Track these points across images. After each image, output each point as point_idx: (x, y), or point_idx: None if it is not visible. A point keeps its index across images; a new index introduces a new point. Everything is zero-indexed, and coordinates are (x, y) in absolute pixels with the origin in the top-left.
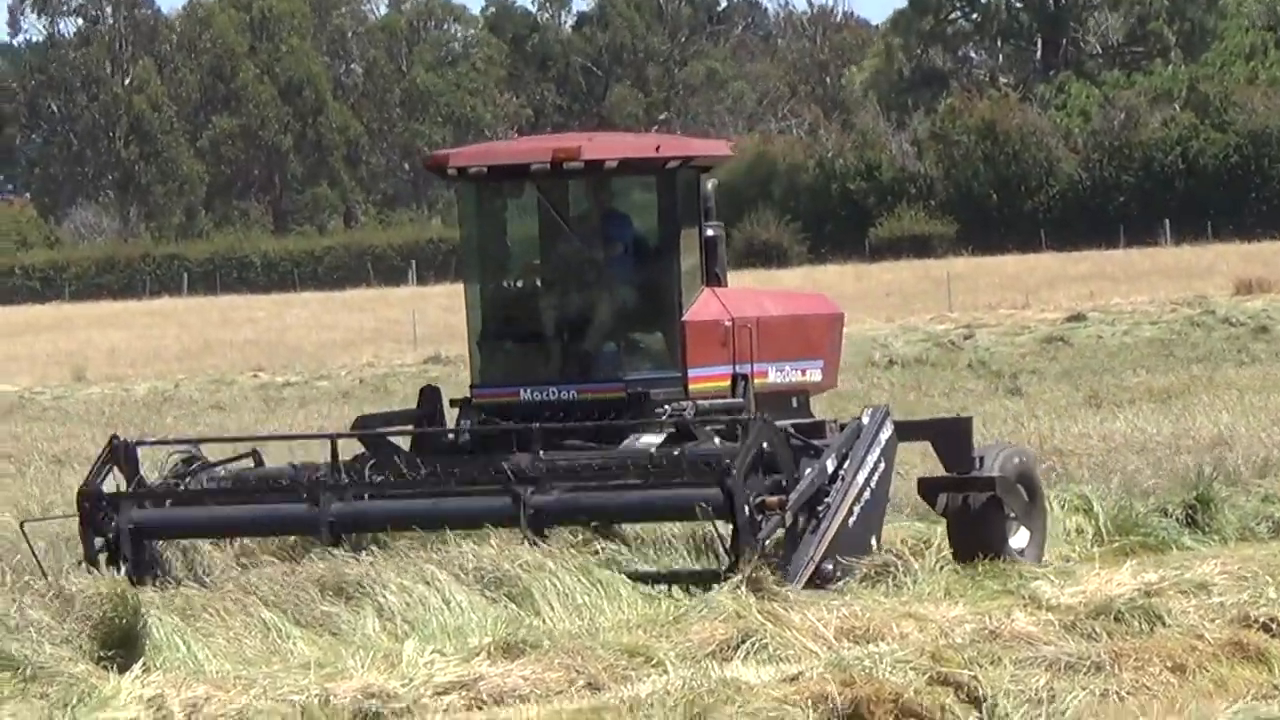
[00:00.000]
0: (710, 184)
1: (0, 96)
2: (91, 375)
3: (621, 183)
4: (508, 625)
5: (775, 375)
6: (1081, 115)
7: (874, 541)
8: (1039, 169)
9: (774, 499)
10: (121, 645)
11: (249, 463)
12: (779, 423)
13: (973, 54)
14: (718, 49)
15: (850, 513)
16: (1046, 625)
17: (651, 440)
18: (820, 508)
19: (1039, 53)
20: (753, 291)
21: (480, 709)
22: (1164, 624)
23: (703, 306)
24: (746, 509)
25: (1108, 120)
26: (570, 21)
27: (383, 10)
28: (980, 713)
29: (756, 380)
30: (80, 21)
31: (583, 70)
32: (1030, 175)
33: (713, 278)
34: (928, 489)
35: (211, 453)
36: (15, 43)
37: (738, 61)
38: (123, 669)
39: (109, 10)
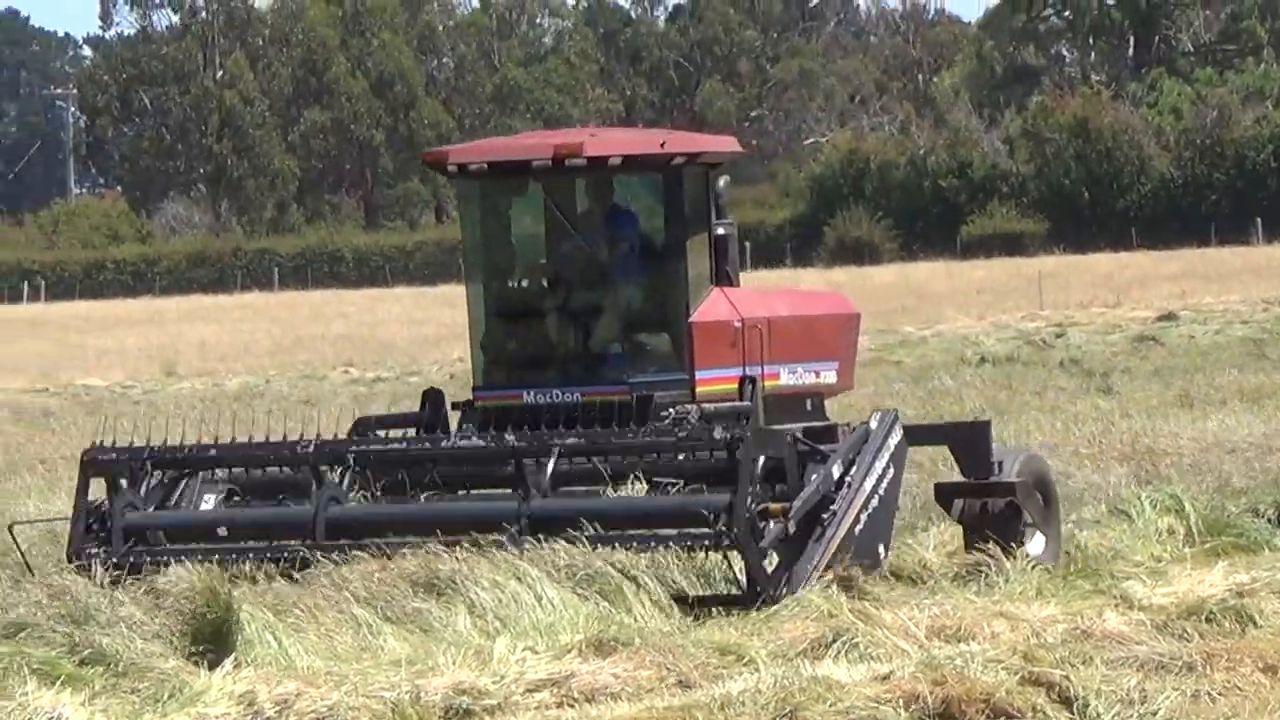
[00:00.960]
0: (723, 181)
1: (92, 90)
2: (182, 370)
3: (626, 180)
4: (599, 623)
5: (788, 377)
6: (1173, 113)
7: (882, 550)
8: (1130, 167)
9: (777, 506)
10: (212, 641)
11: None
12: (789, 426)
13: (1065, 52)
14: (810, 45)
15: (857, 520)
16: (1138, 625)
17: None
18: (825, 515)
19: (1131, 50)
20: (765, 291)
21: (571, 706)
22: (1255, 625)
23: (711, 307)
24: (749, 517)
25: (1200, 118)
26: (663, 16)
27: (474, 4)
28: (1071, 713)
29: (768, 382)
30: (173, 15)
31: (674, 65)
32: (1122, 173)
33: (724, 277)
34: (945, 494)
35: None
36: (107, 36)
37: (830, 58)
38: (213, 665)
39: (202, 3)
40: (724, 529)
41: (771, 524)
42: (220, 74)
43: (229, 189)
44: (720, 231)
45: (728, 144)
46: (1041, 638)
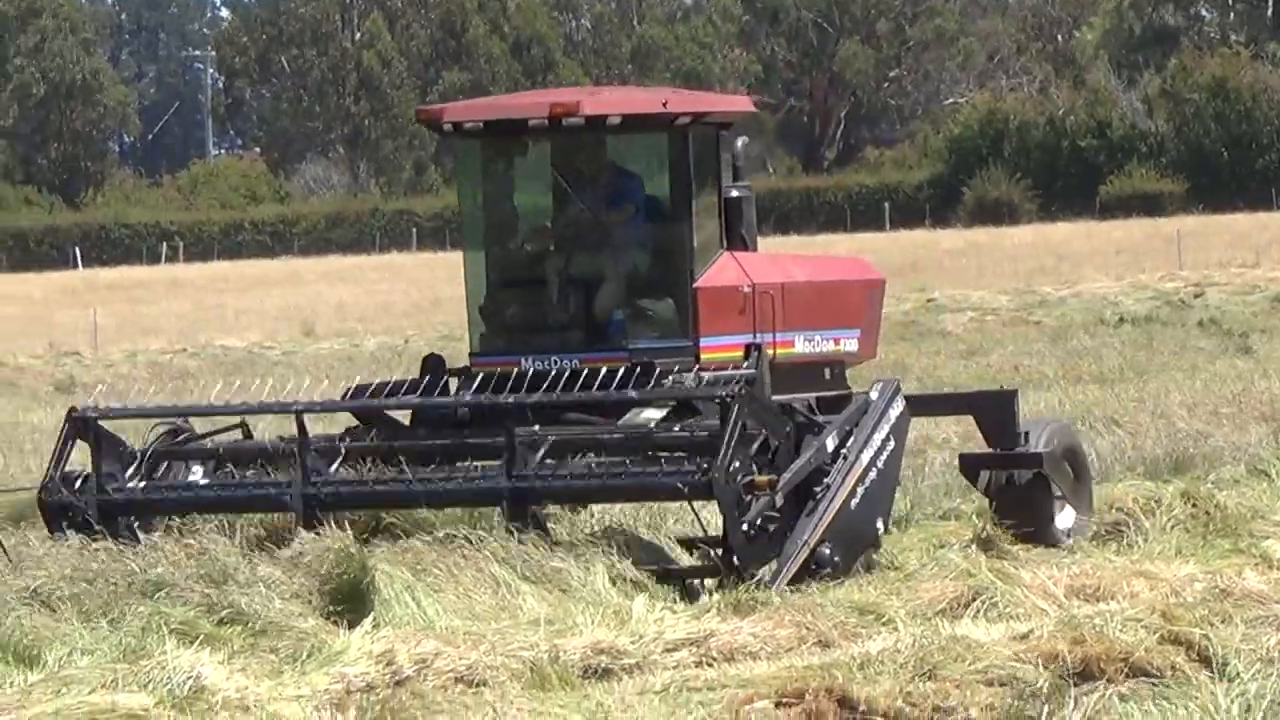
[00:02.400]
0: (741, 142)
1: (230, 51)
2: (321, 330)
3: (628, 140)
4: (739, 585)
5: (803, 345)
6: None
7: (880, 524)
8: (1270, 126)
9: (763, 478)
10: (350, 600)
11: (237, 435)
12: (801, 395)
13: (1204, 12)
14: (948, 5)
15: (853, 494)
16: (1277, 584)
17: (653, 415)
18: (818, 488)
19: (1270, 10)
20: (780, 256)
21: (710, 666)
22: None
23: (719, 272)
24: (732, 490)
25: None
26: None
27: None
28: (1210, 671)
29: (781, 350)
30: None
31: (813, 26)
32: (1261, 133)
33: (738, 241)
34: (969, 465)
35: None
36: (245, 0)
37: (968, 18)
38: (352, 624)
39: None
40: (703, 472)
41: (757, 497)
42: (359, 35)
43: (367, 150)
44: (734, 194)
45: (739, 103)
46: (1180, 597)
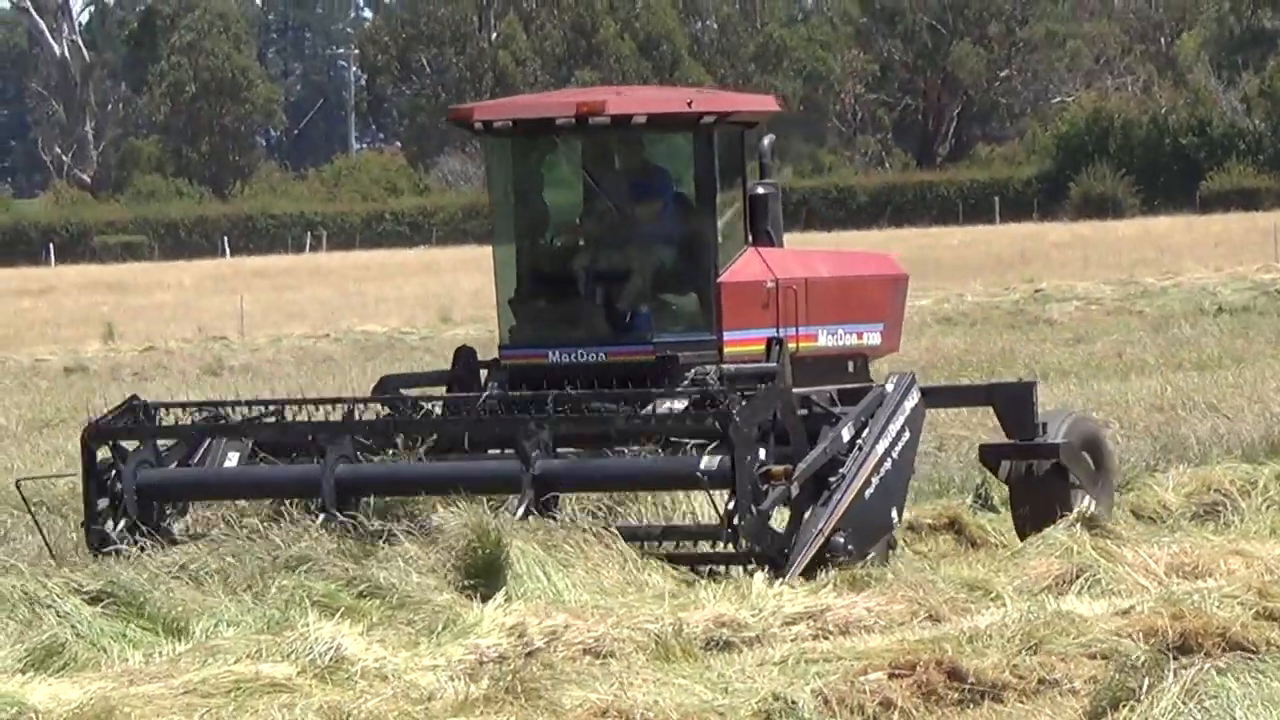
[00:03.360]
0: (767, 140)
1: (373, 50)
2: (457, 316)
3: (654, 139)
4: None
5: (826, 339)
6: None
7: (895, 514)
8: None
9: (779, 468)
10: (484, 575)
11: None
12: (824, 388)
13: None
14: (1057, 8)
15: (867, 484)
16: None
17: (675, 406)
18: (833, 478)
19: None
20: (804, 252)
21: (826, 638)
22: None
23: (743, 267)
24: (749, 480)
25: None
26: None
27: None
28: None
29: (804, 344)
30: None
31: (928, 28)
32: None
33: (763, 237)
34: (989, 455)
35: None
36: (387, 0)
37: (1076, 21)
38: (485, 598)
39: None
40: (730, 534)
41: (773, 486)
42: (495, 35)
43: None
44: (760, 191)
45: (764, 103)
46: (1275, 575)
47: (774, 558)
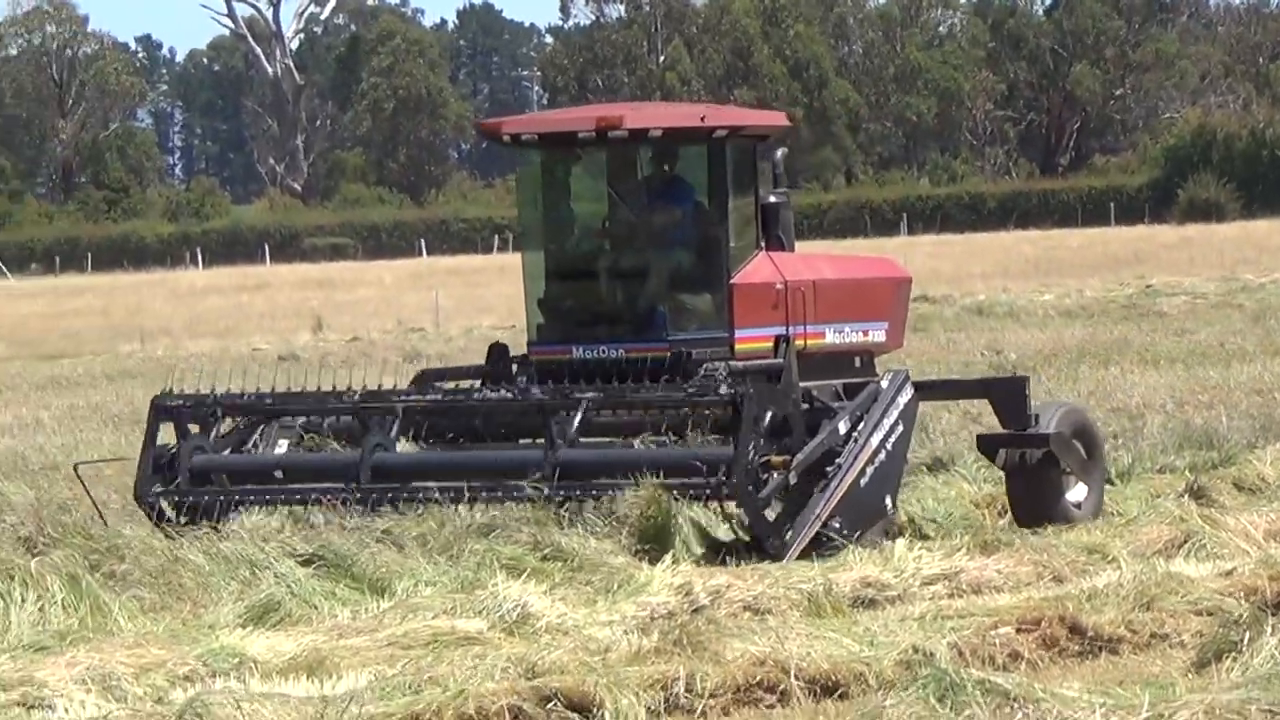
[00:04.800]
0: (780, 153)
1: (553, 72)
2: None
3: (670, 151)
4: (984, 529)
5: (833, 336)
6: None
7: (889, 502)
8: None
9: (779, 458)
10: (654, 540)
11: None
12: (830, 382)
13: None
14: (1166, 33)
15: (863, 474)
16: None
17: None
18: (830, 468)
19: None
20: (814, 256)
21: (960, 597)
22: None
23: (755, 270)
24: (749, 469)
25: None
26: (1041, 8)
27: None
28: None
29: (812, 341)
30: (622, 7)
31: (1050, 51)
32: None
33: (775, 242)
34: (987, 445)
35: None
36: (566, 26)
37: (1183, 44)
38: (654, 561)
39: None
40: (723, 480)
41: (774, 476)
42: (662, 59)
43: None
44: (772, 200)
45: (774, 118)
46: None
47: (768, 539)
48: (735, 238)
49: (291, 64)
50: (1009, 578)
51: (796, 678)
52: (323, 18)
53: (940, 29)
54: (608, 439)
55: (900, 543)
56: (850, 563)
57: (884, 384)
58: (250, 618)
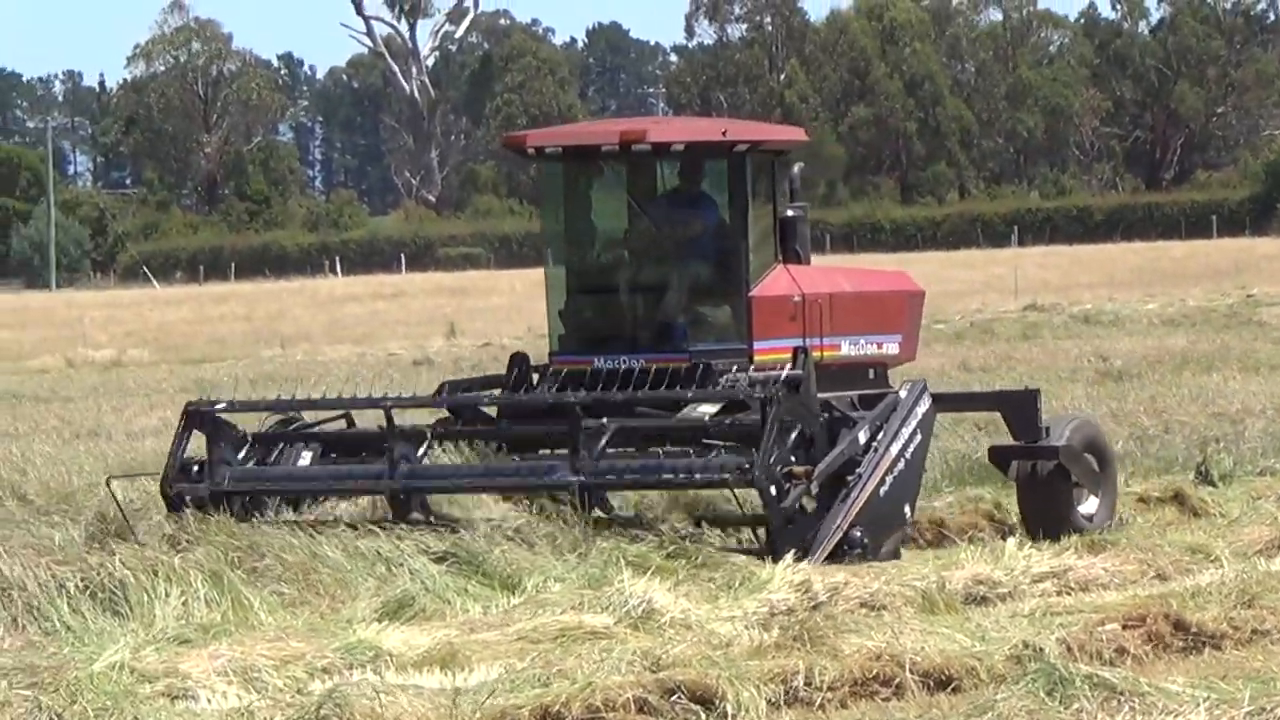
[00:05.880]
0: (796, 168)
1: (677, 89)
2: None
3: (692, 164)
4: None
5: (848, 348)
6: None
7: (908, 510)
8: None
9: (800, 468)
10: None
11: (343, 424)
12: (845, 393)
13: None
14: (1265, 54)
15: (882, 482)
16: None
17: (707, 410)
18: (850, 477)
19: None
20: (830, 270)
21: (1068, 594)
22: None
23: (773, 282)
24: (772, 482)
25: None
26: (1146, 29)
27: (995, 18)
28: None
29: (828, 353)
30: (744, 27)
31: (1154, 70)
32: None
33: (793, 255)
34: (999, 457)
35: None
36: (690, 45)
37: None
38: (775, 559)
39: (767, 19)
40: (747, 469)
41: (795, 485)
42: (782, 77)
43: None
44: (789, 214)
45: (793, 133)
46: None
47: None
48: (754, 251)
49: (427, 81)
50: (1115, 576)
51: (911, 671)
52: (457, 36)
53: (1050, 48)
54: (629, 448)
55: (1011, 542)
56: (962, 561)
57: (902, 394)
58: (386, 613)
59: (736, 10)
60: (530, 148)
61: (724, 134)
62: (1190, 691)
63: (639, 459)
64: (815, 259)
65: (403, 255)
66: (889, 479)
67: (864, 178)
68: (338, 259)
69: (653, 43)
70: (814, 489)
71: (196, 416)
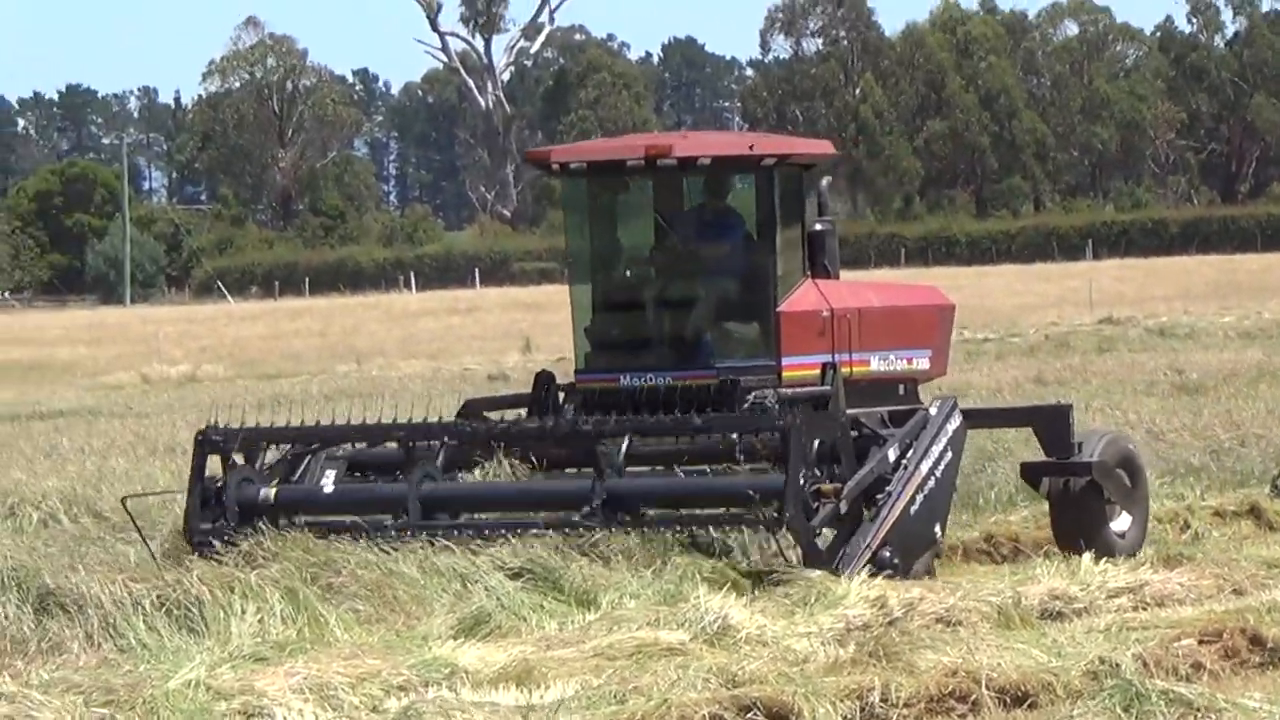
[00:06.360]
0: (824, 181)
1: (753, 104)
2: None
3: (719, 179)
4: (1167, 543)
5: (878, 364)
6: None
7: (938, 529)
8: None
9: (829, 486)
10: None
11: (363, 445)
12: (875, 409)
13: None
14: None
15: (912, 501)
16: None
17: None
18: (880, 496)
19: None
20: (859, 284)
21: (1144, 609)
22: None
23: (801, 297)
24: (801, 498)
25: None
26: (1222, 42)
27: (1071, 32)
28: None
29: (858, 369)
30: (819, 41)
31: (1230, 84)
32: None
33: (821, 270)
34: (1031, 472)
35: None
36: (765, 60)
37: None
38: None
39: (842, 34)
40: (775, 514)
41: (824, 504)
42: (857, 91)
43: (864, 184)
44: (817, 228)
45: (821, 147)
46: None
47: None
48: (782, 266)
49: (502, 96)
50: (1191, 591)
51: (987, 688)
52: (532, 51)
53: (1125, 62)
54: (651, 466)
55: (1086, 557)
56: (1038, 576)
57: (932, 411)
58: (462, 629)
59: (812, 25)
60: (554, 163)
61: (750, 148)
62: (1267, 707)
63: (665, 480)
64: (889, 272)
65: (477, 270)
66: (919, 497)
67: (939, 191)
68: (412, 274)
69: (728, 57)
70: (843, 507)
71: (211, 444)
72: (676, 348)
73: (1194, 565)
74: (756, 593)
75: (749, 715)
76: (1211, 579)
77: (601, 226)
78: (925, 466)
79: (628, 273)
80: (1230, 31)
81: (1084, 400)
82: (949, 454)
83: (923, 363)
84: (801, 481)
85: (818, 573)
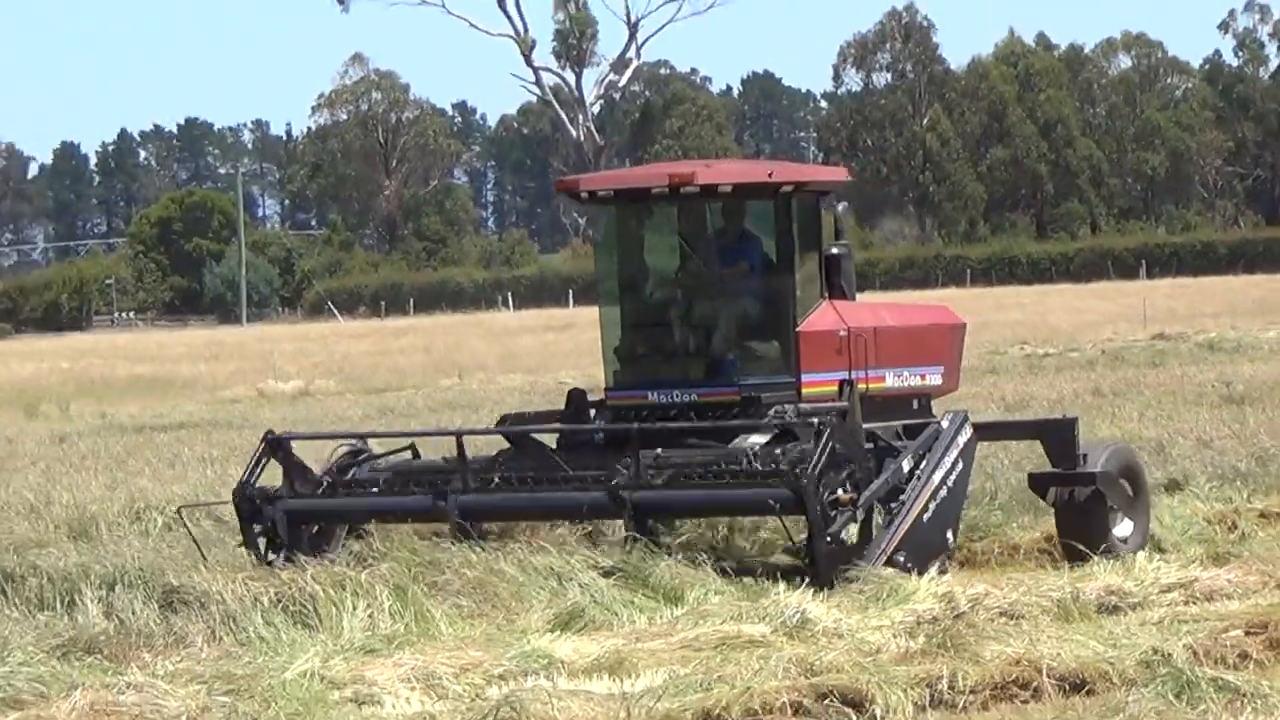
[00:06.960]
0: (842, 206)
1: (827, 134)
2: None
3: (739, 205)
4: (1215, 542)
5: (893, 380)
6: None
7: (950, 536)
8: None
9: (846, 495)
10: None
11: (408, 455)
12: (890, 423)
13: None
14: None
15: (925, 509)
16: None
17: (758, 440)
18: (895, 504)
19: None
20: (874, 305)
21: (1194, 604)
22: None
23: (819, 318)
24: (819, 506)
25: None
26: (1267, 73)
27: (1125, 65)
28: None
29: (874, 385)
30: (889, 74)
31: (1275, 113)
32: None
33: (838, 292)
34: (1037, 483)
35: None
36: (838, 92)
37: None
38: (920, 572)
39: (910, 67)
40: (795, 475)
41: (841, 512)
42: (925, 121)
43: (931, 209)
44: (835, 251)
45: (836, 174)
46: None
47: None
48: (801, 287)
49: (592, 127)
50: (1239, 586)
51: (1048, 676)
52: (620, 85)
53: (1176, 93)
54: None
55: (1140, 555)
56: (1095, 573)
57: (944, 424)
58: (558, 623)
59: (882, 59)
60: (583, 192)
61: (770, 175)
62: None
63: (689, 491)
64: (955, 292)
65: (570, 290)
66: (932, 505)
67: (1001, 215)
68: (510, 294)
69: (804, 90)
70: (859, 516)
71: (274, 444)
72: (700, 366)
73: (1241, 563)
74: (833, 589)
75: (826, 702)
76: (1257, 575)
77: (629, 251)
78: (938, 476)
79: (654, 295)
80: (1275, 65)
81: (1138, 410)
82: (960, 464)
83: (935, 378)
84: (827, 539)
85: (890, 570)
